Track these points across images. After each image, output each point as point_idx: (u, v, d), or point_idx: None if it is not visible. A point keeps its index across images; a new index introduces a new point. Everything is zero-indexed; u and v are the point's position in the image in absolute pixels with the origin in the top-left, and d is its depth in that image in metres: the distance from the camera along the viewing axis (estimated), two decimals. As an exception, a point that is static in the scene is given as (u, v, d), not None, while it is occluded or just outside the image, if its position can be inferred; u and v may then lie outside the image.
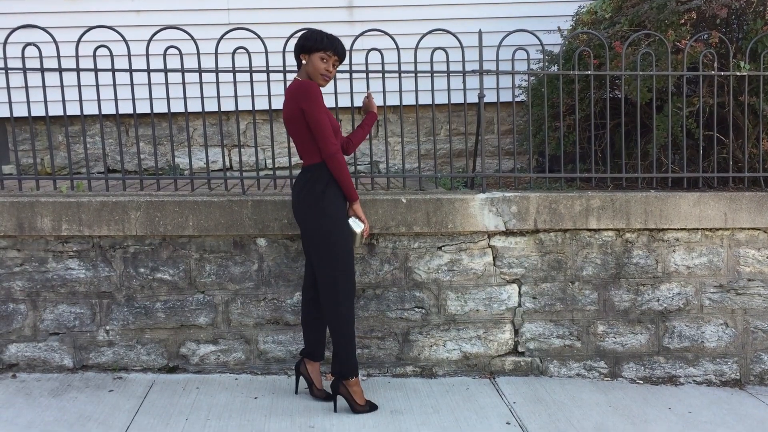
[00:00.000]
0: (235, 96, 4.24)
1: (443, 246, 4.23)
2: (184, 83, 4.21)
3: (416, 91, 4.32)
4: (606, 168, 4.53)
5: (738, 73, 4.39)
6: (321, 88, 3.49)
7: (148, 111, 4.30)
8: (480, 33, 4.30)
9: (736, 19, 4.62)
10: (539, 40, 4.39)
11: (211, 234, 4.09)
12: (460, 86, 4.36)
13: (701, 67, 4.39)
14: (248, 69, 4.21)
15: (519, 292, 4.28)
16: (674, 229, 4.31)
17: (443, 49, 4.28)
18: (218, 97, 4.24)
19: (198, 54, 4.18)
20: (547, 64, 5.28)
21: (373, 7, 6.57)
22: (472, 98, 4.43)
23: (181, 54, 4.18)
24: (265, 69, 4.22)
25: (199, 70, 4.18)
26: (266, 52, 4.19)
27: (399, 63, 4.26)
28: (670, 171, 4.47)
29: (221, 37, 4.18)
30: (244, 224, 4.08)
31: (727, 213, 4.28)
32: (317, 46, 3.44)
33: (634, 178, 4.56)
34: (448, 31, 4.29)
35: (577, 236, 4.28)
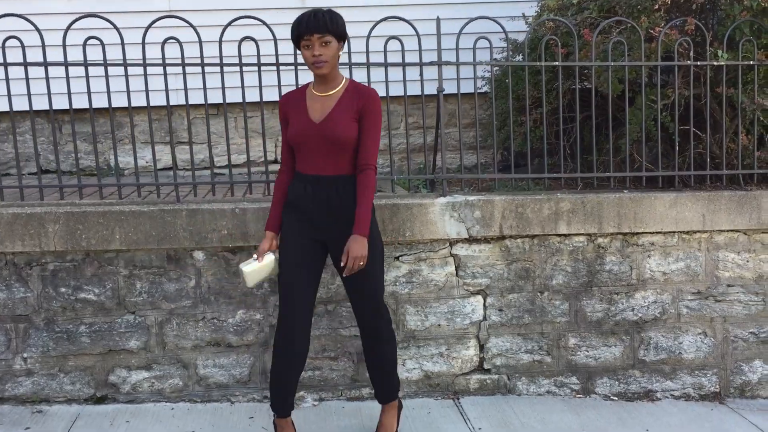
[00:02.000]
0: (166, 90, 3.80)
1: (401, 256, 3.85)
2: (107, 76, 3.75)
3: (368, 82, 3.91)
4: (576, 166, 4.19)
5: (715, 63, 4.06)
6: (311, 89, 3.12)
7: (68, 107, 3.83)
8: (438, 20, 3.90)
9: (710, 4, 4.29)
10: (502, 28, 4.01)
11: (142, 248, 3.65)
12: (417, 77, 3.98)
13: (676, 56, 4.06)
14: (180, 62, 3.77)
15: (484, 305, 3.93)
16: (649, 233, 3.98)
17: (398, 38, 3.88)
18: (146, 91, 3.80)
19: (122, 44, 3.71)
20: (511, 53, 4.92)
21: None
22: (431, 90, 4.05)
23: (103, 45, 3.71)
24: (199, 62, 3.78)
25: (125, 64, 3.72)
26: (200, 42, 3.75)
27: (349, 53, 3.86)
28: (644, 169, 4.14)
29: (149, 26, 3.72)
30: (178, 236, 3.66)
31: (706, 214, 3.97)
32: (294, 37, 2.99)
33: (606, 176, 4.21)
34: (402, 19, 3.89)
35: (545, 242, 3.94)
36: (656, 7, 4.04)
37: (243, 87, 3.89)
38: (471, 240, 3.88)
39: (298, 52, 3.07)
